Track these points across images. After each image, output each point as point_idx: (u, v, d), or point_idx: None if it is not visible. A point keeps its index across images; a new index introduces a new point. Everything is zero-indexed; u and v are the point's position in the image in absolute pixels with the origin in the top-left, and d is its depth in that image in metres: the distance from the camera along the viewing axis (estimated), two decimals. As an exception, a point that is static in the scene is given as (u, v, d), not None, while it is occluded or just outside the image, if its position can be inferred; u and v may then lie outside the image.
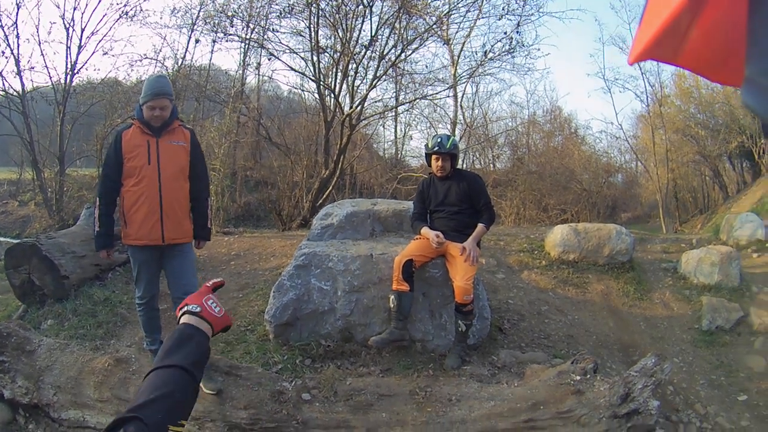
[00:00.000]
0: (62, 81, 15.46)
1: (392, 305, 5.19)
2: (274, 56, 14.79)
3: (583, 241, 8.23)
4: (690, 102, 20.09)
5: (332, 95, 13.95)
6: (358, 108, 13.80)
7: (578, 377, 4.23)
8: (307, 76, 15.06)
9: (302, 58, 14.86)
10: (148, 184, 4.71)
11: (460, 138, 19.37)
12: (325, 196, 13.54)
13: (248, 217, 16.28)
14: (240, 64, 19.18)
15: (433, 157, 5.54)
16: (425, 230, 5.40)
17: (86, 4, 15.77)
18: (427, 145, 5.73)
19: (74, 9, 15.16)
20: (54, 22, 17.17)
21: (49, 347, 5.50)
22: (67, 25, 15.09)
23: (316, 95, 14.98)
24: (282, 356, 5.41)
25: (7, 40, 14.64)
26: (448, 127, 19.77)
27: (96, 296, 7.08)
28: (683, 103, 20.38)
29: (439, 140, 5.49)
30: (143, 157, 4.71)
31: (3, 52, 14.78)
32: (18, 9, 14.75)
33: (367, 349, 5.38)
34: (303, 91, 18.09)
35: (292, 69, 15.26)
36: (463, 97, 20.05)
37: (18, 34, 14.93)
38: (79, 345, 5.63)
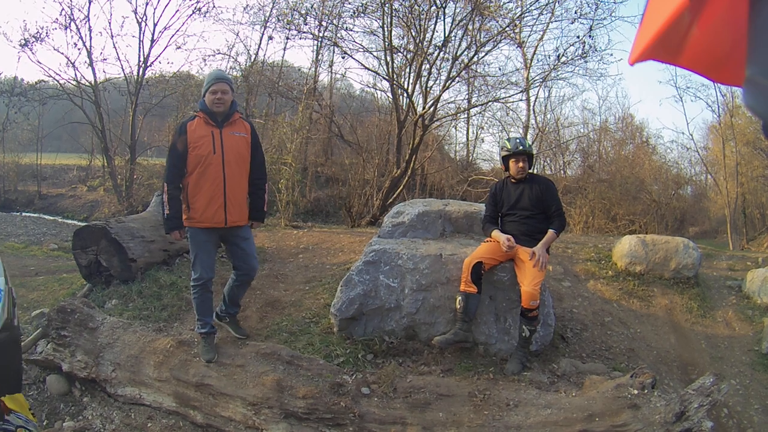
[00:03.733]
0: (135, 73, 15.93)
1: (458, 306, 5.28)
2: (348, 55, 14.94)
3: (650, 253, 8.18)
4: (761, 113, 19.30)
5: (405, 95, 14.03)
6: (431, 109, 13.87)
7: (636, 391, 4.25)
8: (380, 75, 15.22)
9: (375, 57, 15.02)
10: (213, 171, 5.10)
11: (533, 142, 19.26)
12: (395, 195, 13.67)
13: (318, 213, 16.48)
14: (313, 61, 19.39)
15: (512, 160, 5.58)
16: (496, 233, 5.46)
17: (158, 0, 15.95)
18: (504, 147, 5.73)
19: (146, 4, 15.63)
20: (126, 17, 17.75)
21: (111, 326, 5.81)
22: (140, 20, 15.59)
23: (389, 94, 15.17)
24: (344, 350, 5.55)
25: (79, 33, 15.15)
26: (521, 131, 19.65)
27: (162, 280, 7.32)
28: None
29: (518, 140, 5.56)
30: (208, 147, 5.10)
31: (75, 44, 15.28)
32: (90, 3, 15.23)
33: (430, 348, 5.48)
34: (376, 90, 18.29)
35: (366, 68, 15.36)
36: (535, 101, 19.99)
37: (90, 27, 15.50)
38: (142, 326, 5.92)
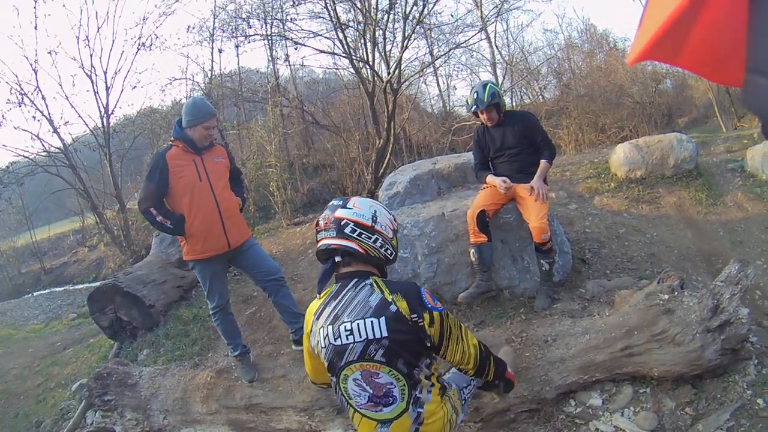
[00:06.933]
0: (100, 125, 15.64)
1: (473, 258, 5.24)
2: (300, 44, 14.79)
3: (646, 155, 8.18)
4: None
5: (367, 66, 13.89)
6: (396, 72, 13.72)
7: (666, 296, 4.24)
8: (337, 54, 15.05)
9: (328, 38, 14.85)
10: (204, 198, 4.92)
11: (503, 77, 19.14)
12: (384, 165, 13.51)
13: (314, 203, 16.20)
14: (269, 59, 19.16)
15: (479, 112, 5.45)
16: (491, 178, 5.38)
17: (101, 48, 15.62)
18: (467, 103, 5.64)
19: (91, 56, 15.22)
20: (75, 74, 17.53)
21: (150, 376, 5.81)
22: (89, 73, 15.19)
23: (352, 70, 14.98)
24: (375, 331, 5.50)
25: (35, 104, 14.85)
26: (489, 69, 19.55)
27: (184, 316, 7.31)
28: (718, -7, 19.47)
29: (475, 96, 5.37)
30: (193, 175, 4.91)
31: (34, 117, 15.00)
32: (36, 73, 14.89)
33: (458, 306, 5.46)
34: (338, 69, 18.08)
35: (321, 51, 15.27)
36: (495, 36, 19.83)
37: (43, 96, 15.04)
38: (178, 366, 5.94)
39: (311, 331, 2.77)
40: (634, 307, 4.38)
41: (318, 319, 2.72)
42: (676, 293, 4.24)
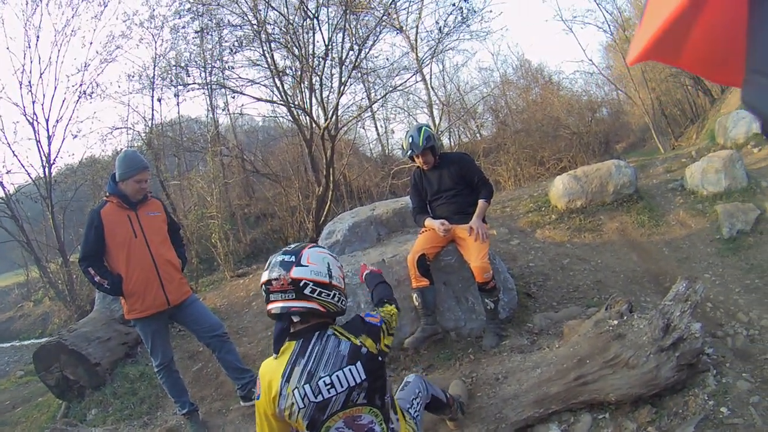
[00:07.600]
0: (42, 174, 15.39)
1: (417, 303, 5.16)
2: (238, 92, 14.69)
3: (585, 185, 8.26)
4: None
5: (304, 113, 13.84)
6: (333, 118, 13.67)
7: (615, 322, 4.19)
8: (275, 102, 14.99)
9: (266, 86, 14.79)
10: (140, 255, 4.79)
11: (440, 117, 19.36)
12: (325, 212, 13.42)
13: (258, 254, 16.03)
14: (208, 108, 19.05)
15: (414, 157, 5.43)
16: (429, 221, 5.33)
17: (44, 95, 15.40)
18: (402, 148, 5.63)
19: (33, 103, 15.04)
20: (17, 121, 17.28)
21: (100, 437, 5.54)
22: (31, 120, 15.02)
23: (290, 118, 14.92)
24: (325, 382, 5.39)
25: None
26: (425, 110, 19.72)
27: (131, 374, 7.06)
28: (645, 21, 20.17)
29: (411, 140, 5.36)
30: (128, 232, 4.78)
31: None
32: None
33: (405, 351, 5.36)
34: (276, 116, 18.03)
35: (259, 99, 15.15)
36: (431, 77, 20.07)
37: None
38: (127, 426, 5.73)
39: (280, 394, 2.64)
40: (583, 336, 4.32)
41: (288, 381, 2.61)
42: (625, 317, 4.22)
